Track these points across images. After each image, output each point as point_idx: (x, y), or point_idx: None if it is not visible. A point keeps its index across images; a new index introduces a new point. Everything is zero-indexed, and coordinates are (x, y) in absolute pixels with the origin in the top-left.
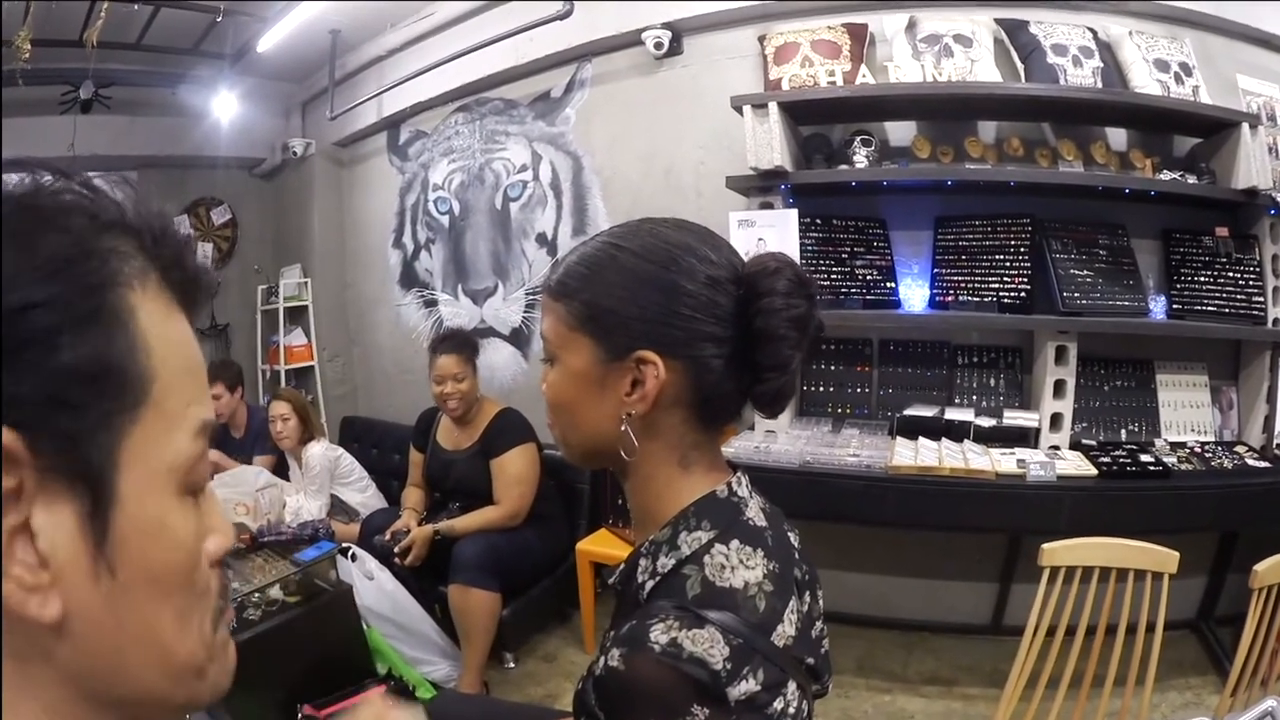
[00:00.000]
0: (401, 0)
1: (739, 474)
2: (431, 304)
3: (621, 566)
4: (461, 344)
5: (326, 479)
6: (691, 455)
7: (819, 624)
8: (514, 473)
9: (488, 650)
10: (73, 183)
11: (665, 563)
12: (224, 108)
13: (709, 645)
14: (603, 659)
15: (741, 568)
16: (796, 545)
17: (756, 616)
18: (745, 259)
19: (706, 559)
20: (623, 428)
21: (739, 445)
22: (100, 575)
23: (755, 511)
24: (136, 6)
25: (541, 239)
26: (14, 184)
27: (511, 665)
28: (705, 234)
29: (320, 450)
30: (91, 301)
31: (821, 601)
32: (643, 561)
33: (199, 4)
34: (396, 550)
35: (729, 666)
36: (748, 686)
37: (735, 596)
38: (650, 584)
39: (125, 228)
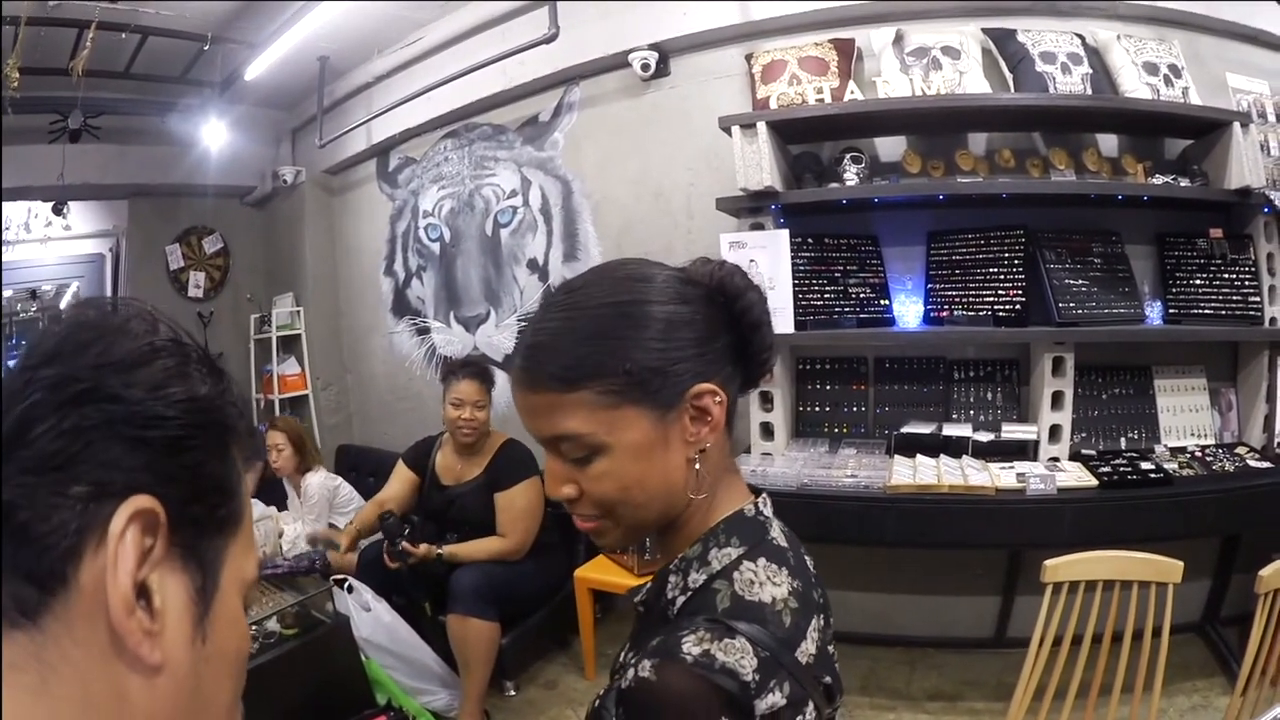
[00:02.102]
0: (389, 25)
1: (763, 495)
2: (424, 332)
3: (649, 584)
4: (483, 372)
5: (325, 508)
6: (726, 464)
7: (831, 648)
8: (521, 507)
9: (488, 679)
10: (185, 336)
11: (696, 578)
12: (213, 136)
13: (740, 656)
14: (630, 672)
15: (769, 584)
16: (813, 570)
17: (783, 631)
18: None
19: (736, 574)
20: (696, 466)
21: None
22: (196, 641)
23: (778, 532)
24: (124, 35)
25: (533, 264)
26: (134, 316)
27: (512, 693)
28: (655, 262)
29: (319, 480)
30: (225, 438)
31: (832, 626)
32: (673, 578)
33: (186, 32)
34: (397, 550)
35: (757, 678)
36: (774, 700)
37: (763, 610)
38: (681, 599)
39: (232, 392)
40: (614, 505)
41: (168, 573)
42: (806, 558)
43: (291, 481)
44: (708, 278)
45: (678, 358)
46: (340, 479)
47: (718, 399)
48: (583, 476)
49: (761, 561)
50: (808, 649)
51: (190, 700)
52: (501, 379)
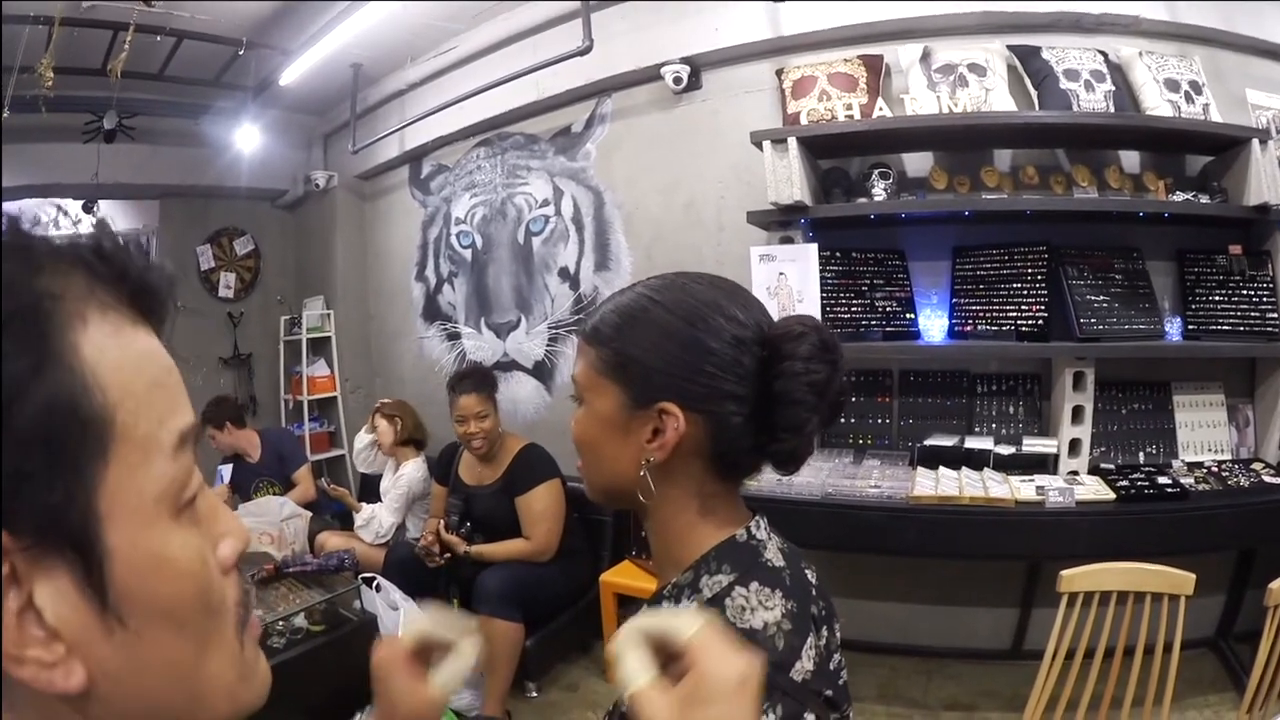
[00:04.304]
0: (422, 34)
1: (758, 517)
2: (454, 337)
3: (644, 607)
4: (481, 381)
5: (407, 501)
6: (709, 504)
7: (837, 656)
8: (540, 509)
9: (510, 680)
10: None
11: (687, 605)
12: (246, 139)
13: None
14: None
15: (761, 609)
16: (814, 582)
17: (776, 655)
18: (775, 319)
19: (728, 602)
20: (641, 473)
21: (761, 478)
22: (112, 630)
23: (774, 552)
24: (159, 38)
25: (564, 273)
26: None
27: (534, 695)
28: (736, 292)
29: (417, 475)
30: (31, 359)
31: (839, 634)
32: (665, 604)
33: (221, 36)
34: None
35: None
36: None
37: (756, 637)
38: None
39: (56, 258)
40: (579, 450)
41: (48, 575)
42: (808, 571)
43: (390, 456)
44: (771, 326)
45: (661, 368)
46: (433, 483)
47: (675, 424)
48: (574, 415)
49: (754, 586)
50: (804, 667)
51: (141, 685)
52: (527, 384)
